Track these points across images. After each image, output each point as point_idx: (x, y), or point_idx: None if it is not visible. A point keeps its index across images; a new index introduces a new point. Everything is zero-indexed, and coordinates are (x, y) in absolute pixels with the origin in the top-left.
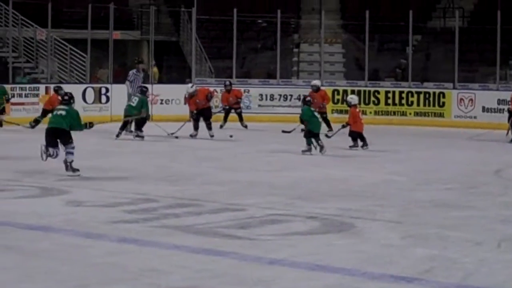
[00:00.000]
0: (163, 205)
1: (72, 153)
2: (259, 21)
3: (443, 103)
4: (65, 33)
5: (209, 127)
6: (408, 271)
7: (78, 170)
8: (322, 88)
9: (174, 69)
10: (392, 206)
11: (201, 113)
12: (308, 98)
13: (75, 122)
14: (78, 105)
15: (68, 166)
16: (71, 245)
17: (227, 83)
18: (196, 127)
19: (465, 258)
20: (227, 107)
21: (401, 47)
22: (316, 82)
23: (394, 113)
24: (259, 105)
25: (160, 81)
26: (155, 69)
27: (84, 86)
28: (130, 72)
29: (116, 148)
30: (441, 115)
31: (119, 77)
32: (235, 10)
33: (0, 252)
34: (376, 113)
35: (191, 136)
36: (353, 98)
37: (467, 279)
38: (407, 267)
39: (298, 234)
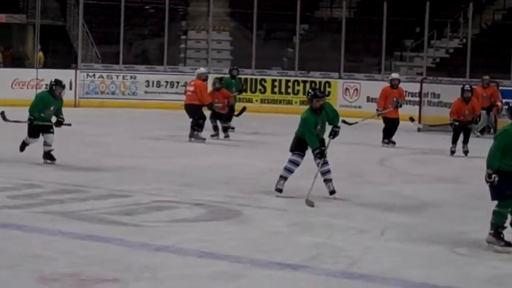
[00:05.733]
0: (47, 191)
1: None
2: (147, 7)
3: (329, 92)
4: None
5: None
6: (295, 258)
7: None
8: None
9: (60, 54)
10: (278, 194)
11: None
12: None
13: None
14: None
15: None
16: None
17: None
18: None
19: (350, 245)
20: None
21: (288, 36)
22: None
23: (280, 102)
24: (146, 92)
25: (45, 66)
26: (41, 54)
27: None
28: None
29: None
30: None
31: (6, 61)
32: None
33: None
34: (262, 101)
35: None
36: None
37: (352, 267)
38: (294, 255)
39: (184, 221)
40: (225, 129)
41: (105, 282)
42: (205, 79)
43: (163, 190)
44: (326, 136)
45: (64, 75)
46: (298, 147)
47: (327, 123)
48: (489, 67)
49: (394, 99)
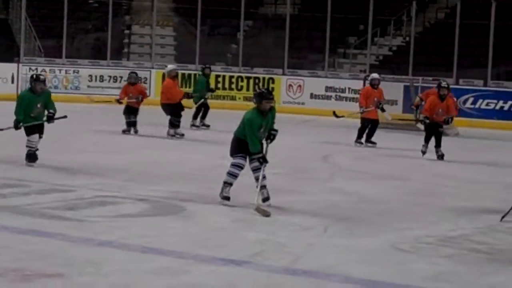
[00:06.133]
0: None
1: None
2: (91, 1)
3: (272, 88)
4: None
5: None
6: (238, 254)
7: None
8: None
9: (2, 47)
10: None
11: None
12: None
13: None
14: None
15: None
16: None
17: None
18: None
19: (294, 242)
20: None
21: (232, 32)
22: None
23: (224, 97)
24: (88, 86)
25: None
26: None
27: None
28: None
29: None
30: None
31: None
32: None
33: None
34: None
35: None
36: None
37: (295, 263)
38: (237, 250)
39: (128, 216)
40: (132, 124)
41: (49, 277)
42: (175, 76)
43: (106, 185)
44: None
45: (6, 68)
46: (240, 149)
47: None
48: (432, 65)
49: (375, 99)
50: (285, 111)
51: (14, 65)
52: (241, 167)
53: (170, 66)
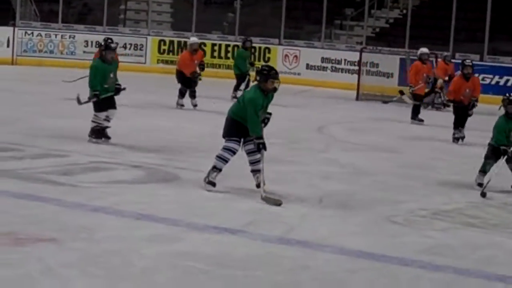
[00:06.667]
0: None
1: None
2: None
3: (269, 58)
4: None
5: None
6: (232, 223)
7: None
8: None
9: None
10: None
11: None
12: None
13: None
14: None
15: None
16: None
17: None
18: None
19: (288, 212)
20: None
21: (229, 0)
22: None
23: (220, 66)
24: (84, 52)
25: None
26: None
27: None
28: None
29: None
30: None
31: None
32: None
33: None
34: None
35: (180, 105)
36: None
37: (289, 233)
38: (231, 219)
39: (122, 183)
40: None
41: (42, 241)
42: (195, 49)
43: (100, 151)
44: None
45: (2, 32)
46: (236, 131)
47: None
48: (428, 39)
49: (424, 74)
50: (281, 81)
51: (10, 28)
52: (234, 151)
53: (193, 39)
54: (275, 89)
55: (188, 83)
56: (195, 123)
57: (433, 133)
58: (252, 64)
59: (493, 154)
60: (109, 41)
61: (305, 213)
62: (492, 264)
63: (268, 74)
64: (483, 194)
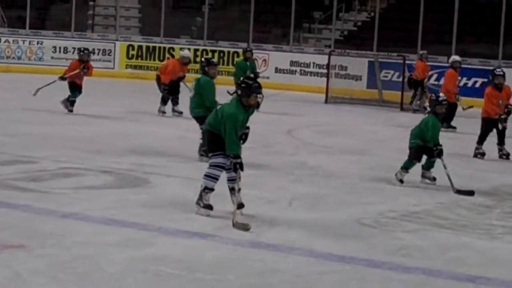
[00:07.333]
0: None
1: None
2: None
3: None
4: None
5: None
6: (202, 227)
7: None
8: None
9: None
10: (186, 163)
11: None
12: None
13: None
14: None
15: None
16: None
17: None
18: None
19: (258, 215)
20: None
21: (197, 5)
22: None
23: (189, 71)
24: (52, 57)
25: None
26: None
27: None
28: None
29: None
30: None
31: None
32: None
33: None
34: None
35: (162, 112)
36: None
37: (259, 236)
38: (202, 224)
39: (91, 188)
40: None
41: (10, 248)
42: (185, 64)
43: (70, 157)
44: None
45: None
46: (217, 145)
47: None
48: (396, 41)
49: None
50: None
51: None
52: (222, 166)
53: (186, 52)
54: (258, 104)
55: (174, 90)
56: (163, 127)
57: (400, 135)
58: (256, 76)
59: (421, 154)
60: (212, 59)
61: (275, 216)
62: (461, 265)
63: (251, 88)
64: (456, 190)
